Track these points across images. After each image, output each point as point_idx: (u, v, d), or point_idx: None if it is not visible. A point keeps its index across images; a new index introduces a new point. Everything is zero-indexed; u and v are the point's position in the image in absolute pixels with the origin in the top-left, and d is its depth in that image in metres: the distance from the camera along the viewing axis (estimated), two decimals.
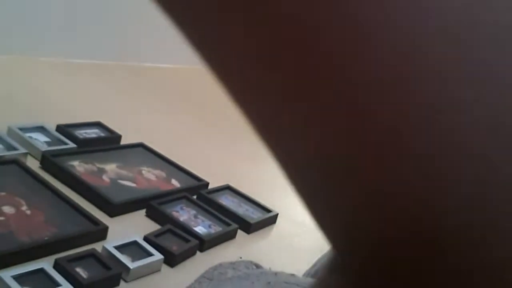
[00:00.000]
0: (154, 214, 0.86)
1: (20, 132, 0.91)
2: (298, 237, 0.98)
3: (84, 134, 1.01)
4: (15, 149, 0.86)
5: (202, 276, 0.75)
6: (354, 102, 0.16)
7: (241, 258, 0.82)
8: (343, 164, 0.17)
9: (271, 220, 0.99)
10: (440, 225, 0.17)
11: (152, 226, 0.83)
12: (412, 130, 0.16)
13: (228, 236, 0.88)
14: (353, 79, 0.16)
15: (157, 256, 0.74)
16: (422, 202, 0.17)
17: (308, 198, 0.20)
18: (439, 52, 0.15)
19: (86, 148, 0.96)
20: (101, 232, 0.76)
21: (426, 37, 0.15)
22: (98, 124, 1.07)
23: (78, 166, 0.90)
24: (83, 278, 0.65)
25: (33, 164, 0.87)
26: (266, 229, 0.97)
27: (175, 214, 0.87)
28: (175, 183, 0.97)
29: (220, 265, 0.78)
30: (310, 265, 0.70)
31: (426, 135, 0.16)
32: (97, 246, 0.73)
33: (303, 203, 0.20)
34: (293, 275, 0.62)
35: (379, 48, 0.15)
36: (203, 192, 0.96)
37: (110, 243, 0.73)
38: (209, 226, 0.87)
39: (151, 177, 0.97)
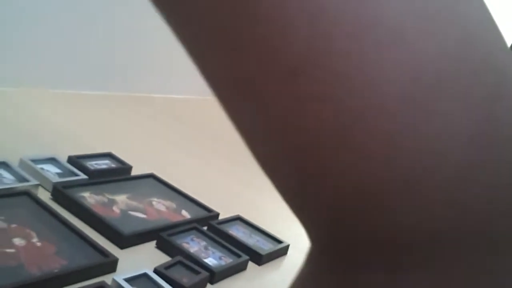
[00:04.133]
0: (164, 246, 0.85)
1: (31, 164, 0.92)
2: None
3: (95, 165, 1.01)
4: (26, 180, 0.87)
5: None
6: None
7: None
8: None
9: (282, 251, 0.98)
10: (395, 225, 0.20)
11: (162, 258, 0.83)
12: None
13: (239, 268, 0.87)
14: None
15: None
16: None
17: (286, 196, 0.24)
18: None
19: (97, 179, 0.96)
20: (111, 264, 0.75)
21: None
22: (109, 155, 1.07)
23: (89, 197, 0.90)
24: None
25: (44, 195, 0.87)
26: (277, 260, 0.96)
27: (185, 245, 0.86)
28: (185, 214, 0.97)
29: None
30: None
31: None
32: (107, 279, 0.72)
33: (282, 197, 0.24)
34: None
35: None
36: (214, 223, 0.95)
37: (120, 276, 0.72)
38: (220, 258, 0.87)
39: (161, 208, 0.97)
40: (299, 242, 1.03)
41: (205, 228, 0.94)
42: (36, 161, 0.94)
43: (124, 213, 0.90)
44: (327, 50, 0.18)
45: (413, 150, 0.19)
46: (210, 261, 0.84)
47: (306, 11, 0.18)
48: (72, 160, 0.99)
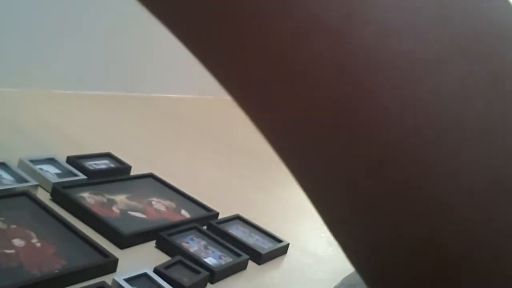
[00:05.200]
0: (164, 246, 0.85)
1: (31, 164, 0.92)
2: (309, 268, 0.97)
3: (94, 166, 1.01)
4: (25, 181, 0.86)
5: None
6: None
7: None
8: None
9: (282, 250, 0.98)
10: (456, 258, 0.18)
11: (162, 258, 0.83)
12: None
13: (238, 267, 0.87)
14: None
15: None
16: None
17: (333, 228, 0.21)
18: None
19: (96, 179, 0.96)
20: (111, 265, 0.75)
21: None
22: (108, 155, 1.07)
23: (88, 197, 0.90)
24: None
25: (44, 196, 0.87)
26: (277, 259, 0.96)
27: (185, 245, 0.86)
28: (185, 214, 0.97)
29: None
30: None
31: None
32: (107, 279, 0.72)
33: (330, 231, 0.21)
34: None
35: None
36: (213, 222, 0.95)
37: (120, 276, 0.72)
38: (220, 257, 0.87)
39: (161, 208, 0.96)
40: (299, 241, 1.03)
41: (204, 227, 0.94)
42: (35, 161, 0.93)
43: (123, 213, 0.90)
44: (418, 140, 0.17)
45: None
46: (210, 260, 0.84)
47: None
48: (71, 160, 0.99)
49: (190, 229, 0.91)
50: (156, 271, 0.77)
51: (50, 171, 0.94)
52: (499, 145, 0.17)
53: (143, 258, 0.82)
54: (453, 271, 0.18)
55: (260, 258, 0.91)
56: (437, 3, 0.17)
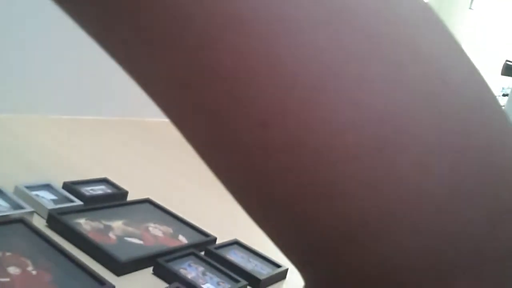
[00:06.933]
0: (161, 272, 0.84)
1: (26, 191, 0.91)
2: None
3: (91, 191, 1.00)
4: (21, 208, 0.86)
5: None
6: None
7: None
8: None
9: (281, 275, 0.96)
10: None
11: (160, 285, 0.82)
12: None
13: None
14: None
15: None
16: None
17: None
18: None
19: (93, 205, 0.95)
20: None
21: None
22: (104, 181, 1.06)
23: (85, 224, 0.89)
24: None
25: (40, 222, 0.86)
26: (276, 285, 0.95)
27: (183, 271, 0.85)
28: (183, 239, 0.96)
29: None
30: None
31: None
32: None
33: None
34: None
35: None
36: (211, 247, 0.94)
37: None
38: (218, 284, 0.86)
39: (158, 233, 0.96)
40: None
41: (202, 253, 0.93)
42: (31, 187, 0.93)
43: (120, 239, 0.89)
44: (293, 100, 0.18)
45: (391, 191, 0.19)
46: (208, 287, 0.83)
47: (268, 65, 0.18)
48: (67, 186, 0.98)
49: (188, 255, 0.90)
50: None
51: (46, 197, 0.93)
52: (376, 105, 0.18)
53: (140, 285, 0.81)
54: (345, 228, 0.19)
55: (259, 284, 0.90)
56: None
